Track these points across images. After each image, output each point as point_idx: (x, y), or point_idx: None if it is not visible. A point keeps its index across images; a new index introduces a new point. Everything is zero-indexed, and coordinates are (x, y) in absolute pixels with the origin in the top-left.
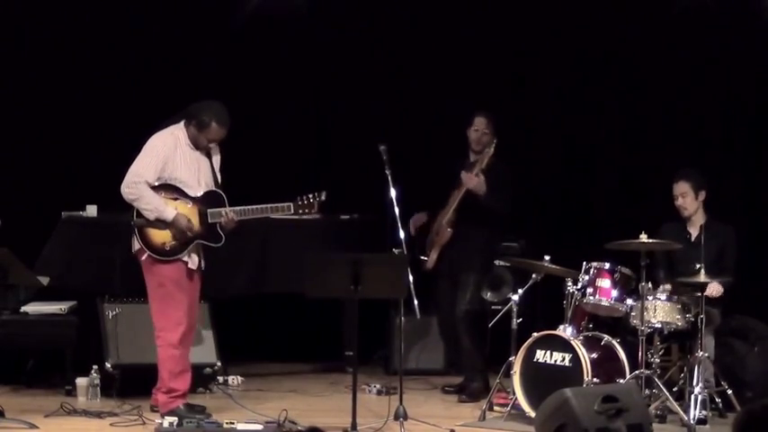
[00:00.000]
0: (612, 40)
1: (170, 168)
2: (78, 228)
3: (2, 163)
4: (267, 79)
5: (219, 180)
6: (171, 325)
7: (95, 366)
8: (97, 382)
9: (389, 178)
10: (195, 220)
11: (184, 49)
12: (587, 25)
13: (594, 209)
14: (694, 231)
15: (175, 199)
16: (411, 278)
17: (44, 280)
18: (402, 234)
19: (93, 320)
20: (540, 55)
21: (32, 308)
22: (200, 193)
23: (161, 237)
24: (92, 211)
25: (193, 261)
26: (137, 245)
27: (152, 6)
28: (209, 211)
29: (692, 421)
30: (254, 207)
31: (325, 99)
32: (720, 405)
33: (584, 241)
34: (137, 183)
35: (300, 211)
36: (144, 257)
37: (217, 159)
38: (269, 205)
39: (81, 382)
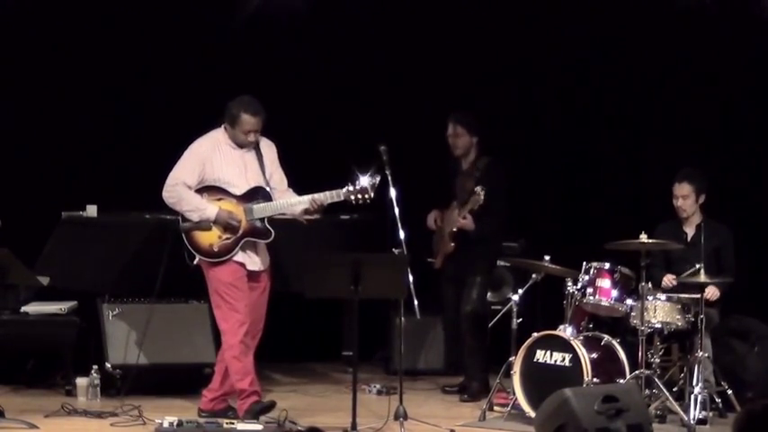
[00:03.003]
0: (612, 40)
1: (210, 170)
2: (78, 228)
3: (2, 163)
4: (267, 79)
5: (271, 176)
6: (233, 328)
7: (95, 366)
8: (97, 382)
9: (389, 178)
10: (241, 217)
11: (184, 50)
12: (588, 25)
13: (594, 209)
14: (690, 231)
15: (219, 199)
16: (411, 278)
17: (44, 280)
18: (402, 234)
19: (93, 320)
20: (540, 55)
21: (32, 308)
22: (245, 191)
23: (207, 239)
24: (92, 211)
25: (253, 261)
26: (193, 253)
27: (152, 6)
28: (253, 207)
29: (691, 421)
30: (302, 198)
31: (326, 99)
32: (720, 405)
33: (584, 241)
34: (174, 185)
35: (353, 197)
36: (197, 262)
37: (269, 156)
38: (316, 195)
39: (81, 382)
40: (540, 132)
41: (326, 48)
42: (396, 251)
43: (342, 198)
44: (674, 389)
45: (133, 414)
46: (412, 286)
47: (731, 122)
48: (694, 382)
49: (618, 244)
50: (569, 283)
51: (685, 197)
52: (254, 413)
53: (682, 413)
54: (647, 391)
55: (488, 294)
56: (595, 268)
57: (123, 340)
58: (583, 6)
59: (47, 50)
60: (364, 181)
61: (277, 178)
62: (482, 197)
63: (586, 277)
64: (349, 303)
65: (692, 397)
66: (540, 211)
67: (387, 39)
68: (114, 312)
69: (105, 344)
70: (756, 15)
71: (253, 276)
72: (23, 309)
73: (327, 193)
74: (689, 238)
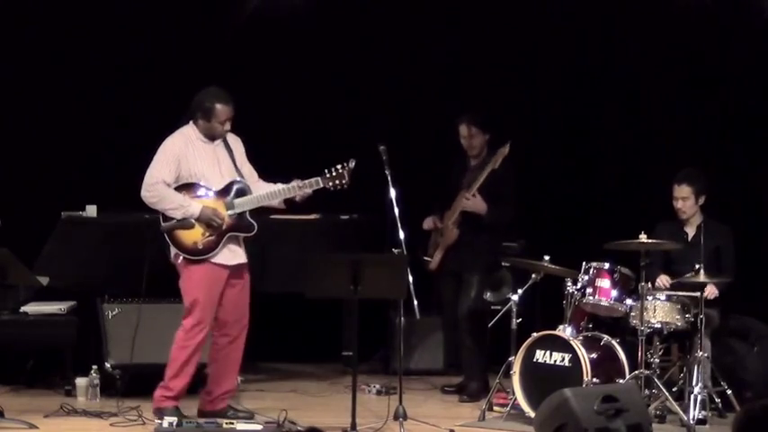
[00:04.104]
0: (612, 40)
1: (185, 166)
2: (78, 228)
3: (2, 163)
4: (267, 79)
5: (242, 169)
6: (190, 326)
7: (95, 366)
8: (97, 382)
9: (389, 178)
10: (224, 213)
11: (184, 50)
12: (587, 25)
13: (594, 209)
14: (691, 231)
15: (199, 196)
16: (411, 278)
17: (44, 280)
18: (402, 234)
19: (93, 320)
20: (539, 55)
21: (32, 308)
22: (222, 186)
23: (191, 236)
24: (92, 211)
25: (236, 255)
26: (173, 251)
27: (152, 6)
28: (235, 201)
29: (691, 421)
30: (282, 188)
31: (326, 99)
32: (720, 405)
33: (584, 241)
34: (154, 184)
35: (331, 184)
36: (179, 261)
37: (238, 149)
38: (294, 184)
39: (81, 382)
40: (540, 132)
41: (326, 47)
42: (396, 251)
43: (321, 185)
44: (674, 389)
45: (133, 414)
46: (412, 286)
47: (731, 122)
48: (694, 382)
49: (618, 244)
50: (569, 283)
51: (685, 199)
52: (159, 415)
53: (681, 413)
54: (646, 391)
55: (488, 294)
56: (595, 268)
57: (123, 340)
58: (583, 6)
59: (46, 50)
60: (339, 166)
61: (246, 171)
62: (507, 149)
63: (586, 277)
64: (349, 303)
65: (692, 397)
66: (540, 211)
67: (387, 38)
68: (114, 312)
69: (105, 344)
70: (756, 15)
71: (235, 272)
72: (23, 309)
73: (305, 181)
74: (690, 239)
